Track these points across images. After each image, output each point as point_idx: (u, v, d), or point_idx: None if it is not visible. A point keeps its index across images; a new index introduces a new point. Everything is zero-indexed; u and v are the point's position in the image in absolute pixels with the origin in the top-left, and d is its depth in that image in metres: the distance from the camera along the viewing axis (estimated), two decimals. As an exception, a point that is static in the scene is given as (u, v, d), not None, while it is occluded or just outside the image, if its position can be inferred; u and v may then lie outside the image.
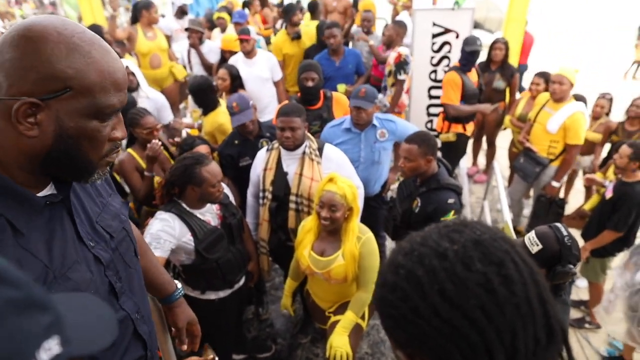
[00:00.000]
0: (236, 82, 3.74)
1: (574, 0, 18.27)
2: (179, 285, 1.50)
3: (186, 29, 5.00)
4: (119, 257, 1.08)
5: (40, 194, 0.90)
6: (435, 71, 4.63)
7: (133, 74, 3.69)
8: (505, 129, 4.69)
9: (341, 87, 4.39)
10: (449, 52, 4.54)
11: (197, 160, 2.11)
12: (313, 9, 5.99)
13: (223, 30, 5.59)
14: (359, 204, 2.26)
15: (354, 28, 5.74)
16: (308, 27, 5.11)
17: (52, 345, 0.43)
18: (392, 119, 3.05)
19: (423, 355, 0.59)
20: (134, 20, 4.94)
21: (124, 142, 3.10)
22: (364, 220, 2.43)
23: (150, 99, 3.77)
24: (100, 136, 0.87)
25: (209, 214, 2.22)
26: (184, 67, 5.19)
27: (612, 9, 16.86)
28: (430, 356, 0.58)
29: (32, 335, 0.42)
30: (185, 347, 1.51)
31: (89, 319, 0.50)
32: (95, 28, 4.68)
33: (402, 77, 4.30)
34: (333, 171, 2.53)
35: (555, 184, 3.61)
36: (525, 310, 0.56)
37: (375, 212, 3.10)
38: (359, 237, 2.22)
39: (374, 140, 2.97)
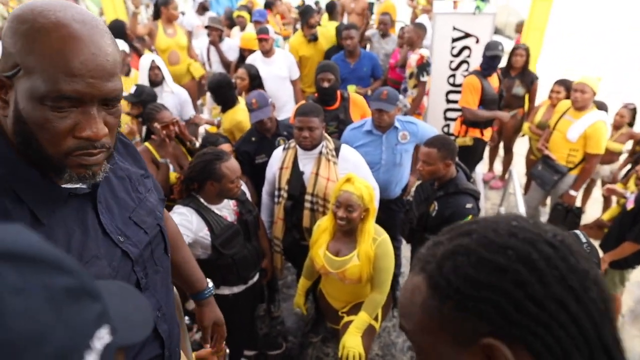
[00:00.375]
0: (255, 81, 3.75)
1: (584, 1, 17.88)
2: (211, 284, 1.51)
3: (206, 27, 5.04)
4: (150, 254, 1.07)
5: (66, 185, 0.89)
6: (454, 75, 4.60)
7: (159, 68, 3.74)
8: (523, 135, 4.64)
9: (351, 87, 4.38)
10: (469, 56, 4.51)
11: (217, 156, 2.13)
12: (331, 10, 5.99)
13: (242, 28, 5.62)
14: (375, 205, 2.25)
15: (372, 31, 5.73)
16: (326, 29, 5.12)
17: (104, 334, 0.43)
18: (413, 121, 3.03)
19: (517, 343, 0.53)
20: (156, 16, 5.00)
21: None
22: (382, 222, 2.41)
23: (174, 93, 3.82)
24: (52, 127, 0.79)
25: (226, 209, 2.24)
26: (203, 64, 5.22)
27: (624, 9, 16.49)
28: (529, 345, 0.52)
29: (87, 324, 0.42)
30: (208, 346, 1.51)
31: (128, 308, 0.50)
32: (118, 23, 4.75)
33: (424, 78, 4.30)
34: (349, 172, 2.53)
35: (573, 192, 3.56)
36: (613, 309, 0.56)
37: (394, 216, 3.08)
38: (374, 238, 2.21)
39: (396, 143, 2.95)
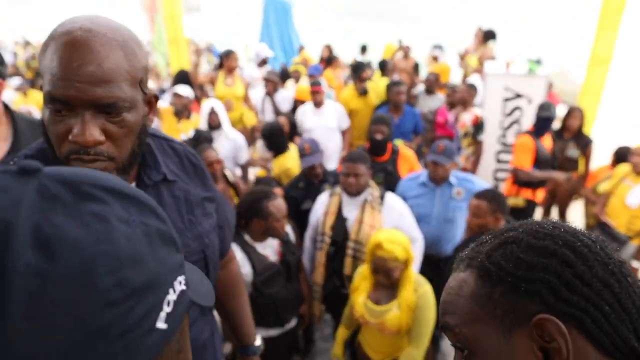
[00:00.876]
0: (294, 130, 4.05)
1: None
2: (258, 342, 1.46)
3: (264, 79, 5.35)
4: None
5: None
6: (504, 135, 4.55)
7: (216, 113, 3.94)
8: (578, 198, 4.45)
9: (398, 141, 4.44)
10: (520, 117, 4.47)
11: (265, 194, 2.18)
12: (383, 67, 6.24)
13: (297, 81, 5.91)
14: (414, 253, 2.18)
15: (418, 88, 5.88)
16: (376, 84, 5.28)
17: (182, 281, 0.46)
18: (471, 179, 2.99)
19: (568, 321, 0.55)
20: (220, 65, 5.39)
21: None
22: (429, 281, 2.29)
23: (229, 139, 3.99)
24: (53, 129, 0.83)
25: (269, 248, 2.25)
26: (257, 113, 5.49)
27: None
28: (579, 321, 0.55)
29: (172, 267, 0.45)
30: None
31: (195, 278, 0.53)
32: (183, 73, 5.23)
33: (481, 137, 4.30)
34: (394, 220, 2.50)
35: (636, 264, 3.31)
36: None
37: (443, 275, 2.96)
38: (415, 289, 2.13)
39: (449, 198, 2.91)
